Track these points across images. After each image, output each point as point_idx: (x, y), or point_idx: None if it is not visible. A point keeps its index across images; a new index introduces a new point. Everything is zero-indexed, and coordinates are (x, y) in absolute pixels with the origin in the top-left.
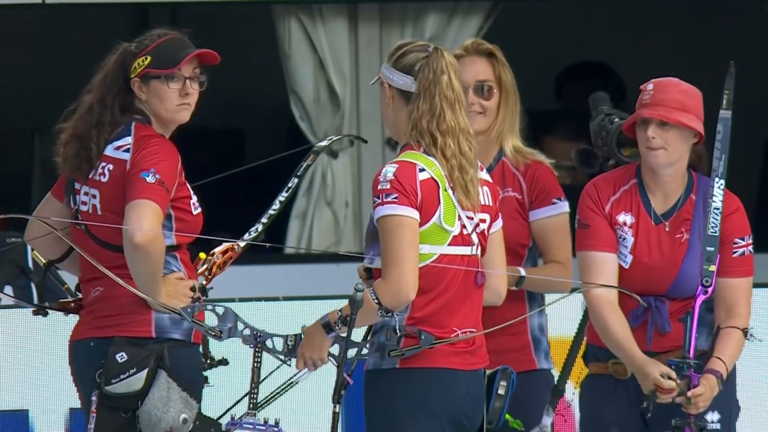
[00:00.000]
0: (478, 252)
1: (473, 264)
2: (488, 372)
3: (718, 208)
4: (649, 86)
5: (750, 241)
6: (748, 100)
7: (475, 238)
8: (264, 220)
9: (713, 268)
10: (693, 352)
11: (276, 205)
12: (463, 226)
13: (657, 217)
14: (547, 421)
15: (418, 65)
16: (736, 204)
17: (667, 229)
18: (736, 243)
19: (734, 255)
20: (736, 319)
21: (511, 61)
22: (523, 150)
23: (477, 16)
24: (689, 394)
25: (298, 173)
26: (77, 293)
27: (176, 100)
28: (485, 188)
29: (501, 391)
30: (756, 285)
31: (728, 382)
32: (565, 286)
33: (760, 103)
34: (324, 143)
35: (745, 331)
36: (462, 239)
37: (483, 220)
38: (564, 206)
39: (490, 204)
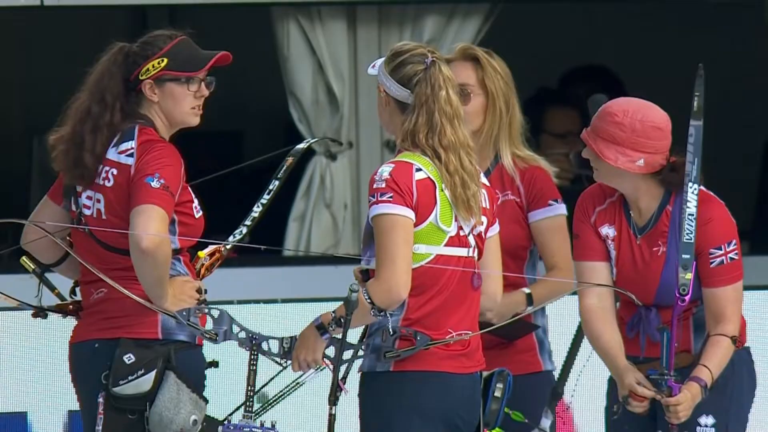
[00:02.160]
0: (475, 254)
1: (470, 266)
2: (485, 374)
3: (692, 214)
4: (601, 106)
5: (732, 248)
6: (747, 101)
7: (472, 239)
8: (248, 222)
9: (689, 276)
10: (672, 364)
11: (258, 208)
12: (460, 228)
13: (636, 231)
14: (545, 423)
15: (416, 79)
16: (712, 212)
17: (638, 243)
18: (711, 253)
19: (711, 265)
20: (725, 326)
21: (509, 64)
22: (524, 156)
23: (476, 18)
24: (664, 402)
25: (278, 175)
26: (72, 296)
27: (191, 102)
28: (482, 191)
29: (497, 394)
30: (757, 287)
31: (728, 387)
32: (570, 289)
33: (760, 104)
34: (302, 146)
35: (733, 339)
36: (459, 240)
37: (480, 222)
38: (560, 208)
39: (487, 207)
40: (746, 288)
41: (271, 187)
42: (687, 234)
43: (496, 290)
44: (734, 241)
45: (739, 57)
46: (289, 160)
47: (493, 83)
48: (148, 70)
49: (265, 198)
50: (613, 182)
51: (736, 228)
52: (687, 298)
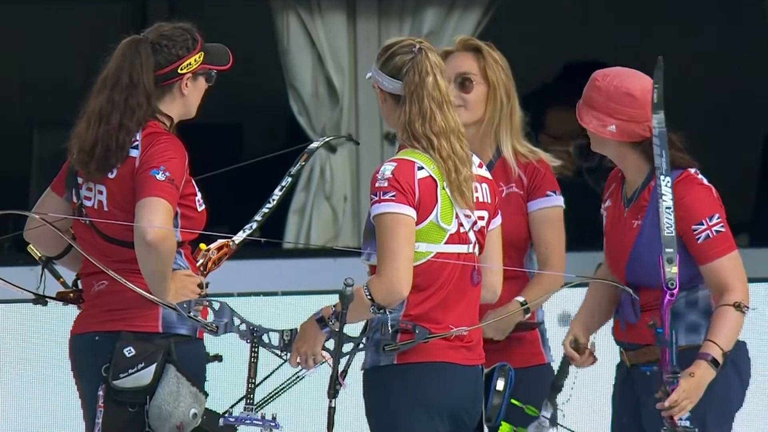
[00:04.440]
0: (476, 250)
1: (470, 262)
2: (486, 370)
3: (669, 207)
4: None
5: (716, 221)
6: (747, 95)
7: (472, 236)
8: (258, 218)
9: (675, 269)
10: (670, 363)
11: (270, 204)
12: (461, 224)
13: (625, 202)
14: (546, 415)
15: (405, 69)
16: (686, 192)
17: (625, 215)
18: (695, 230)
19: (699, 242)
20: (729, 295)
21: (508, 57)
22: (525, 152)
23: (475, 10)
24: (666, 404)
25: (292, 172)
26: (74, 287)
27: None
28: (484, 185)
29: (499, 387)
30: (757, 280)
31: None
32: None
33: (759, 98)
34: (316, 144)
35: (736, 305)
36: (459, 237)
37: (481, 218)
38: (558, 200)
39: (489, 201)
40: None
41: (283, 183)
42: (667, 228)
43: (496, 283)
44: (717, 215)
45: (739, 56)
46: (304, 157)
47: (494, 73)
48: (190, 63)
49: (277, 194)
50: (599, 149)
51: (720, 205)
52: (675, 292)
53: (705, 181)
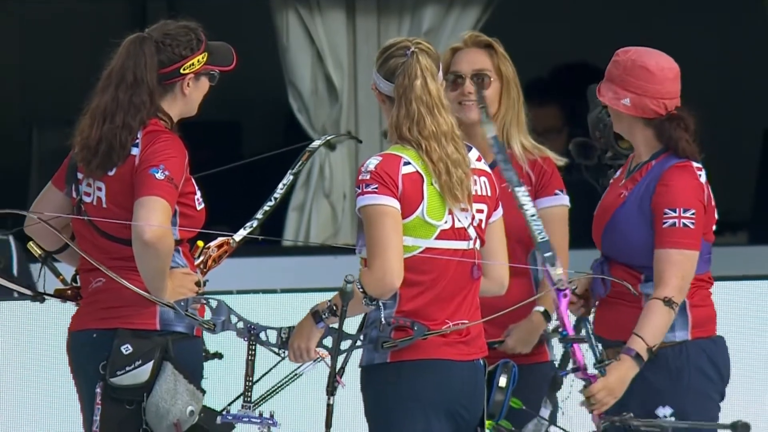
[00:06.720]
0: (477, 245)
1: (470, 259)
2: (489, 367)
3: (534, 215)
4: None
5: (688, 215)
6: (746, 91)
7: (472, 232)
8: (259, 215)
9: (560, 271)
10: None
11: (271, 202)
12: (456, 220)
13: (627, 173)
14: (545, 413)
15: (397, 72)
16: (677, 178)
17: (620, 184)
18: (665, 213)
19: (663, 225)
20: (660, 289)
21: (508, 54)
22: (532, 148)
23: (474, 8)
24: (585, 396)
25: (294, 170)
26: (72, 283)
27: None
28: (483, 178)
29: (502, 384)
30: (756, 277)
31: (684, 377)
32: None
33: (759, 97)
34: (318, 142)
35: (666, 300)
36: (455, 233)
37: (480, 211)
38: (564, 199)
39: (489, 194)
40: (745, 278)
41: (285, 181)
42: (539, 233)
43: (503, 275)
44: (693, 211)
45: (739, 56)
46: (306, 155)
47: (506, 68)
48: (192, 64)
49: (279, 192)
50: (616, 125)
51: (701, 206)
52: (567, 292)
53: (702, 178)
